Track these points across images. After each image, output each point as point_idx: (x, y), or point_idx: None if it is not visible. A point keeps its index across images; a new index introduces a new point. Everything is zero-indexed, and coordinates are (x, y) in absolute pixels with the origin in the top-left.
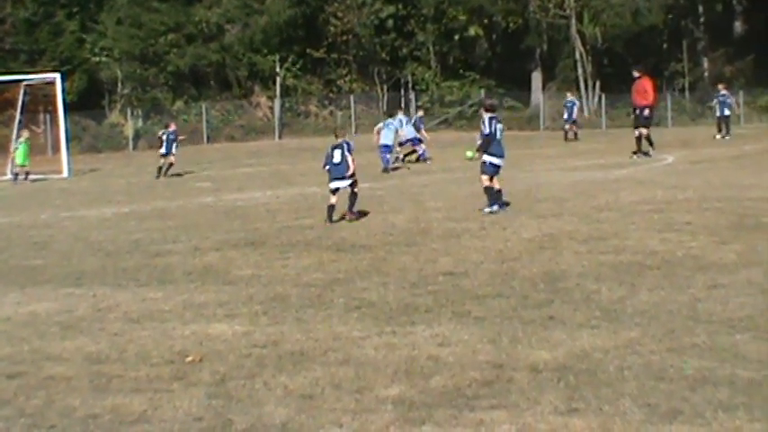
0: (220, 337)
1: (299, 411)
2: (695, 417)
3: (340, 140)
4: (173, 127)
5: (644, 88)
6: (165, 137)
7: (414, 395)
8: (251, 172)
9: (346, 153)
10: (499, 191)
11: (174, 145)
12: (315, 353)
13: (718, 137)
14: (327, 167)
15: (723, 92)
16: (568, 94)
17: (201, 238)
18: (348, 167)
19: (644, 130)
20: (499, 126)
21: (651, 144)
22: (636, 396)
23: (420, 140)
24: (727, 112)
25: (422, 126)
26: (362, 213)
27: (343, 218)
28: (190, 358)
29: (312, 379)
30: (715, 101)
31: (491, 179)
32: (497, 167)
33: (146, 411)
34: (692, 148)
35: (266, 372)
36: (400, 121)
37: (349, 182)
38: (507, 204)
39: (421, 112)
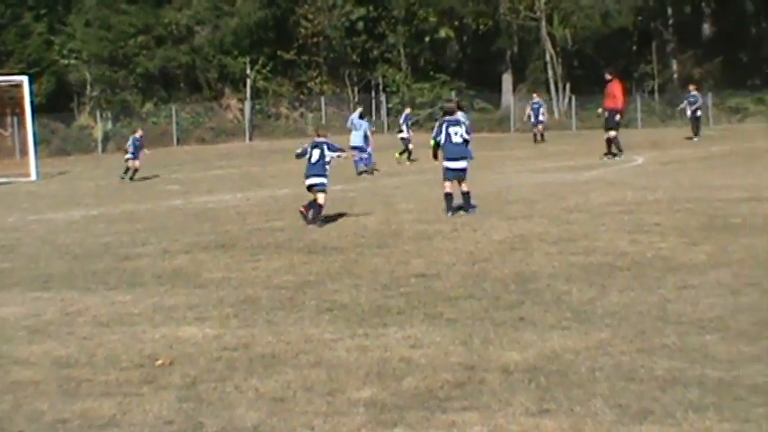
0: (190, 340)
1: (270, 414)
2: (666, 417)
3: (320, 139)
4: (140, 133)
5: (613, 93)
6: (131, 141)
7: (386, 397)
8: (221, 174)
9: (326, 152)
10: (466, 193)
11: (140, 150)
12: (286, 355)
13: (695, 139)
14: (299, 158)
15: (693, 92)
16: (535, 96)
17: (171, 241)
18: (325, 167)
19: (612, 133)
20: (454, 129)
21: (619, 148)
22: (607, 397)
23: (363, 149)
24: (698, 113)
25: (408, 123)
26: (328, 218)
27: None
28: (160, 362)
29: (283, 382)
30: (685, 102)
31: (452, 184)
32: (453, 171)
33: (115, 415)
34: (661, 149)
35: (237, 375)
36: (352, 121)
37: (324, 180)
38: (474, 207)
39: (408, 110)
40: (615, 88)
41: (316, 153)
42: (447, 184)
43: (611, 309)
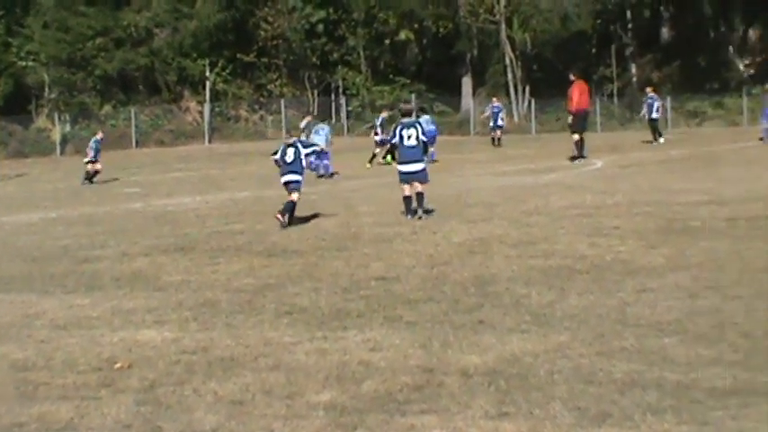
0: (149, 343)
1: (228, 418)
2: (624, 420)
3: (293, 139)
4: (100, 135)
5: (570, 95)
6: (92, 144)
7: (345, 400)
8: (180, 177)
9: (300, 150)
10: (419, 194)
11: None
12: (245, 359)
13: (655, 143)
14: (278, 164)
15: (651, 95)
16: (494, 100)
17: (130, 244)
18: (302, 165)
19: (574, 136)
20: (408, 132)
21: (580, 150)
22: (565, 399)
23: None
24: (654, 116)
25: (384, 126)
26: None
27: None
28: (118, 365)
29: (242, 385)
30: (645, 106)
31: (410, 186)
32: (406, 174)
33: (73, 419)
34: (620, 152)
35: (196, 378)
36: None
37: (299, 178)
38: (429, 212)
39: (385, 113)
40: (572, 90)
41: (290, 152)
42: (405, 187)
43: (570, 312)
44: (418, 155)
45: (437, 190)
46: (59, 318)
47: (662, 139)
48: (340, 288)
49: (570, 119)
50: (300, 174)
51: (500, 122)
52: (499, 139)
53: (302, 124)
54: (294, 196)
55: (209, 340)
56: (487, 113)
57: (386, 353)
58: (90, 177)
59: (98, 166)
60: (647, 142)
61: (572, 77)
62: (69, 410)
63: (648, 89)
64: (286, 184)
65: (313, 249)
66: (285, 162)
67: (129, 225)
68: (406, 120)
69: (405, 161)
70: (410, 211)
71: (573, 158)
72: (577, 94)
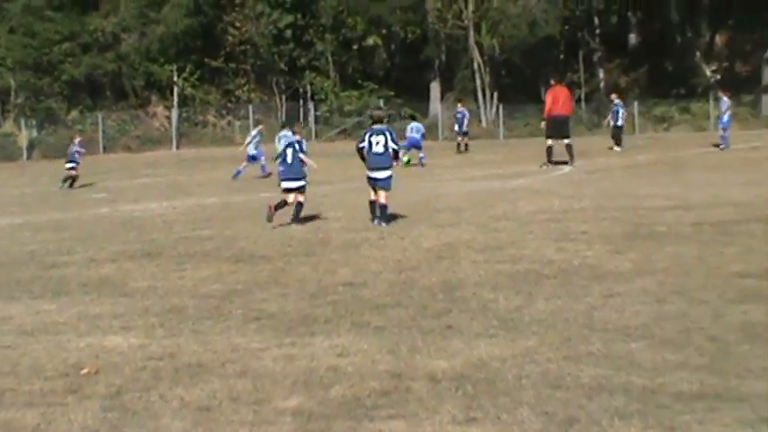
0: (116, 349)
1: (195, 424)
2: (591, 424)
3: (297, 137)
4: (77, 139)
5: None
6: (73, 148)
7: (313, 406)
8: (148, 182)
9: (298, 152)
10: (382, 206)
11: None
12: (212, 365)
13: (617, 149)
14: (280, 166)
15: (617, 101)
16: (459, 105)
17: (97, 250)
18: (302, 167)
19: (548, 141)
20: (376, 139)
21: (548, 156)
22: (533, 404)
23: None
24: (620, 123)
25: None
26: (256, 227)
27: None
28: (85, 371)
29: (209, 391)
30: (610, 113)
31: (374, 192)
32: (372, 180)
33: (39, 425)
34: (588, 157)
35: (162, 384)
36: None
37: (302, 183)
38: (387, 222)
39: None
40: (545, 96)
41: (290, 153)
42: (372, 192)
43: (537, 316)
44: (385, 161)
45: (405, 195)
46: (26, 323)
47: (618, 149)
48: (307, 294)
49: (542, 124)
50: (301, 178)
51: (464, 128)
52: (466, 144)
53: (253, 132)
54: (300, 198)
55: (176, 346)
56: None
57: (353, 358)
58: (69, 183)
59: (75, 171)
60: (609, 149)
61: (552, 82)
62: (35, 417)
63: (614, 95)
64: (287, 191)
65: (280, 255)
66: (286, 163)
67: (97, 231)
68: (376, 126)
69: (373, 167)
70: (376, 216)
71: (542, 165)
72: (549, 100)
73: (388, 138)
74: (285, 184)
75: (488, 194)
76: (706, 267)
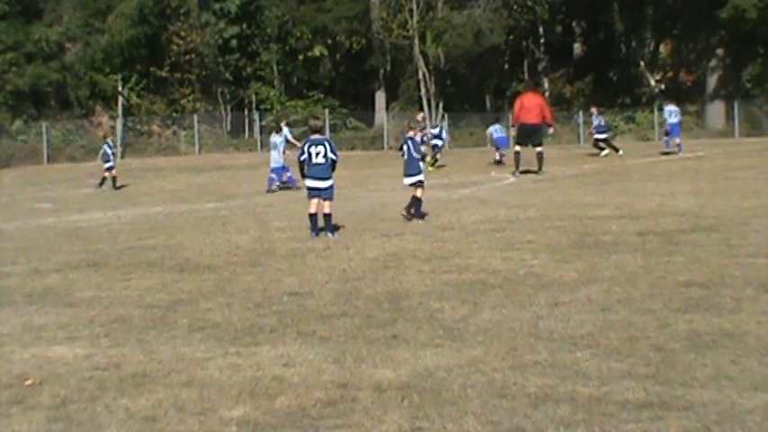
0: (61, 359)
1: None
2: None
3: (410, 134)
4: (109, 138)
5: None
6: (107, 150)
7: (258, 416)
8: (92, 192)
9: (412, 150)
10: (328, 215)
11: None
12: (157, 374)
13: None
14: (304, 163)
15: (596, 114)
16: (421, 114)
17: (41, 260)
18: (417, 163)
19: (515, 147)
20: (316, 149)
21: (515, 163)
22: (479, 414)
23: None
24: (597, 134)
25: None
26: (199, 237)
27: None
28: (29, 381)
29: (155, 401)
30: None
31: (316, 202)
32: (313, 190)
33: None
34: (534, 166)
35: (107, 394)
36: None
37: (420, 178)
38: (335, 231)
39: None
40: (515, 102)
41: (320, 151)
42: (312, 202)
43: (483, 326)
44: (326, 172)
45: (351, 205)
46: None
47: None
48: (253, 303)
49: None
50: (417, 173)
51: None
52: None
53: (286, 131)
54: (419, 192)
55: (121, 356)
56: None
57: (299, 368)
58: (112, 184)
59: (114, 171)
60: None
61: (521, 89)
62: None
63: (593, 109)
64: (410, 186)
65: (226, 264)
66: (312, 163)
67: (41, 241)
68: (314, 136)
69: (313, 177)
70: (315, 229)
71: (512, 172)
72: (516, 108)
73: (328, 148)
74: (407, 180)
75: (434, 204)
76: (651, 277)
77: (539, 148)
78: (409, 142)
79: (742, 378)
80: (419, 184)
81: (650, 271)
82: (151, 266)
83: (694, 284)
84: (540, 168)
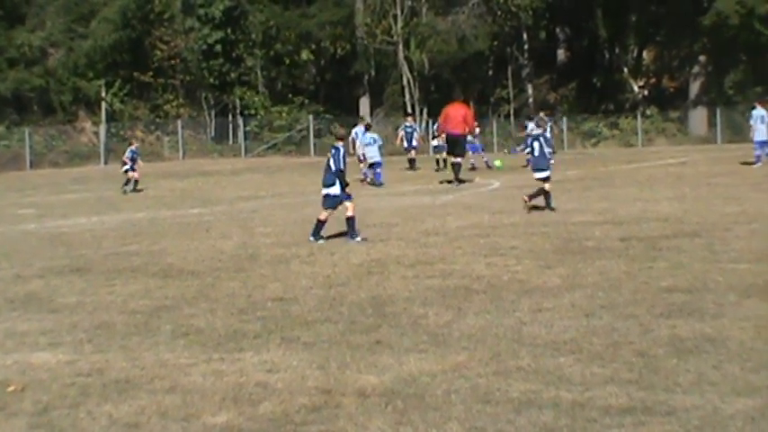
0: (43, 366)
1: None
2: None
3: (338, 145)
4: (135, 145)
5: None
6: (129, 154)
7: (242, 422)
8: (76, 198)
9: (544, 146)
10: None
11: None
12: (141, 381)
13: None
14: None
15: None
16: (409, 119)
17: (24, 266)
18: (547, 159)
19: (450, 158)
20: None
21: (454, 174)
22: (463, 419)
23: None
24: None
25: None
26: (183, 242)
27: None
28: (11, 388)
29: (138, 407)
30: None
31: (328, 211)
32: (323, 197)
33: None
34: (517, 173)
35: (90, 401)
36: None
37: (548, 173)
38: (356, 236)
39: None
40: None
41: (536, 146)
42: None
43: (467, 331)
44: (328, 179)
45: (335, 211)
46: None
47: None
48: (236, 309)
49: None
50: (546, 168)
51: (414, 143)
52: (413, 160)
53: (361, 128)
54: (547, 186)
55: (105, 362)
56: (401, 135)
57: (283, 374)
58: (132, 187)
59: (136, 174)
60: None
61: (453, 98)
62: None
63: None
64: (539, 180)
65: (209, 270)
66: (534, 155)
67: (24, 246)
68: (336, 144)
69: (322, 184)
70: (315, 234)
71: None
72: (441, 117)
73: (332, 157)
74: (537, 175)
75: (419, 210)
76: (634, 282)
77: (456, 159)
78: (541, 139)
79: (724, 383)
80: (547, 178)
81: (633, 276)
82: (135, 272)
83: (677, 290)
84: (455, 180)
